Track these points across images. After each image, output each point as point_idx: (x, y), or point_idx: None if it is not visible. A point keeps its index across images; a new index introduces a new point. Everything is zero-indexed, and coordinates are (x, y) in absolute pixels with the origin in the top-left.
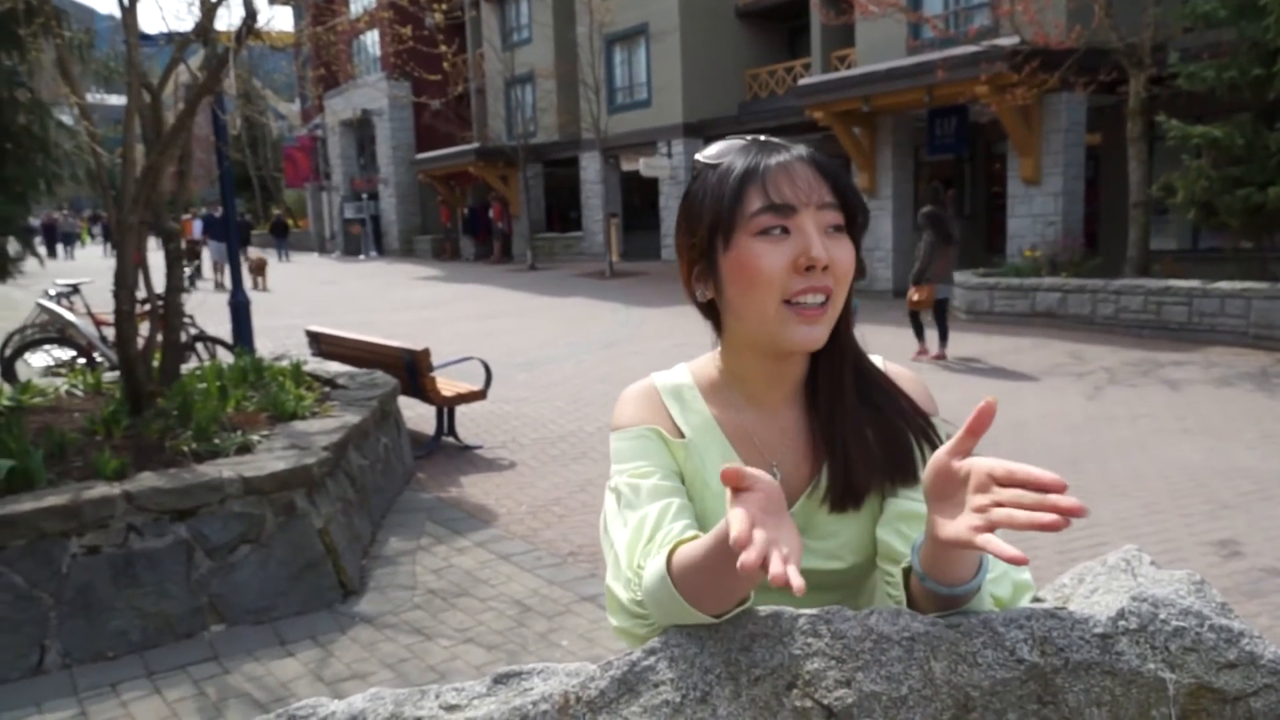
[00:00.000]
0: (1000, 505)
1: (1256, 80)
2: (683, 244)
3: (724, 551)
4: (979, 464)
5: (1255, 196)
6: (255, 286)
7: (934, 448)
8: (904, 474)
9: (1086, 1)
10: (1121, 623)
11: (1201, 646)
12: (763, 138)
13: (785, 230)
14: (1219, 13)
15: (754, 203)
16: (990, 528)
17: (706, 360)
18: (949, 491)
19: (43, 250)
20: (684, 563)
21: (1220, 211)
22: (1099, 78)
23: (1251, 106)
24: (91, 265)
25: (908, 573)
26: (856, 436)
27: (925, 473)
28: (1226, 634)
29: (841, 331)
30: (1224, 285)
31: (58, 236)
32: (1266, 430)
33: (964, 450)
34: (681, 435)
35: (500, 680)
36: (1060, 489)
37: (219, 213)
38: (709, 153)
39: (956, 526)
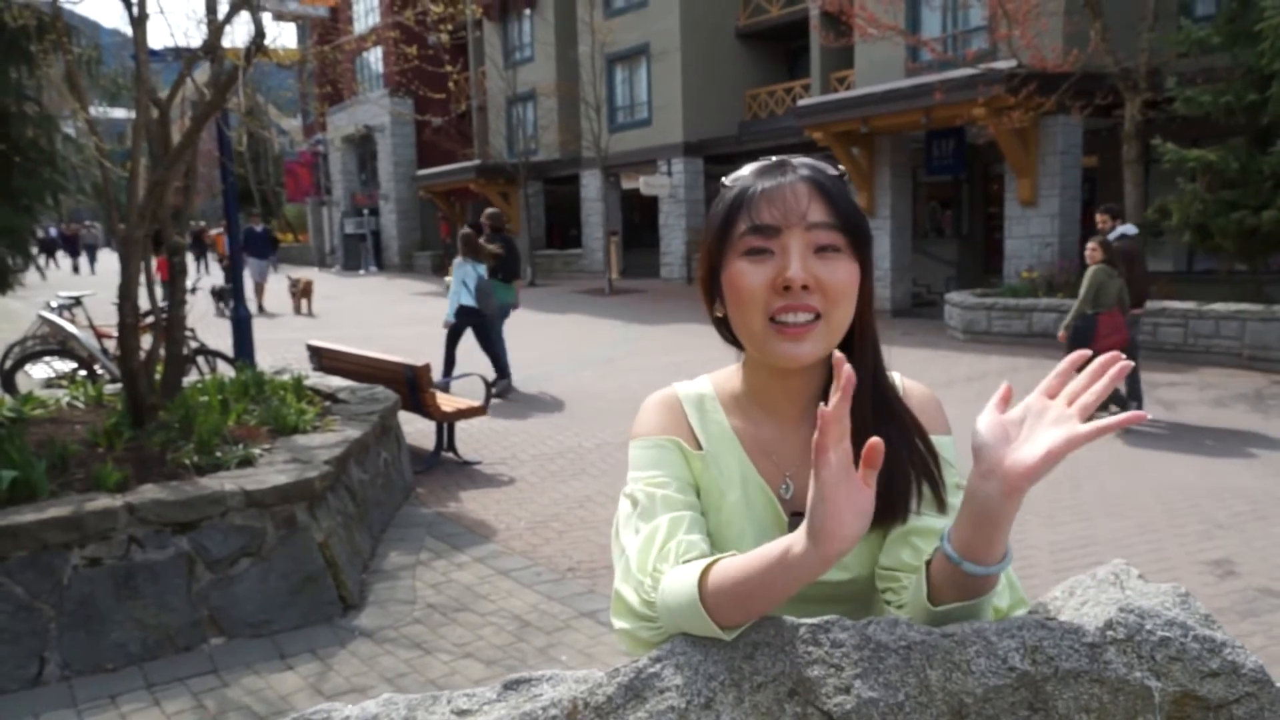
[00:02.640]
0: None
1: (1251, 105)
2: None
3: (769, 574)
4: (1032, 397)
5: (1249, 220)
6: (299, 310)
7: (933, 484)
8: (894, 512)
9: (1083, 26)
10: (1109, 633)
11: (1186, 656)
12: (794, 160)
13: (770, 251)
14: (1213, 39)
15: (741, 224)
16: (1085, 414)
17: (730, 372)
18: (1006, 438)
19: (66, 261)
20: (722, 582)
21: (1215, 234)
22: (1095, 101)
23: (1245, 131)
24: (114, 278)
25: (926, 566)
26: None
27: (984, 431)
28: (1210, 644)
29: (859, 351)
30: (1219, 307)
31: (80, 248)
32: (1260, 451)
33: (1004, 407)
34: (699, 446)
35: (510, 686)
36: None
37: (259, 226)
38: (732, 175)
39: (1049, 437)
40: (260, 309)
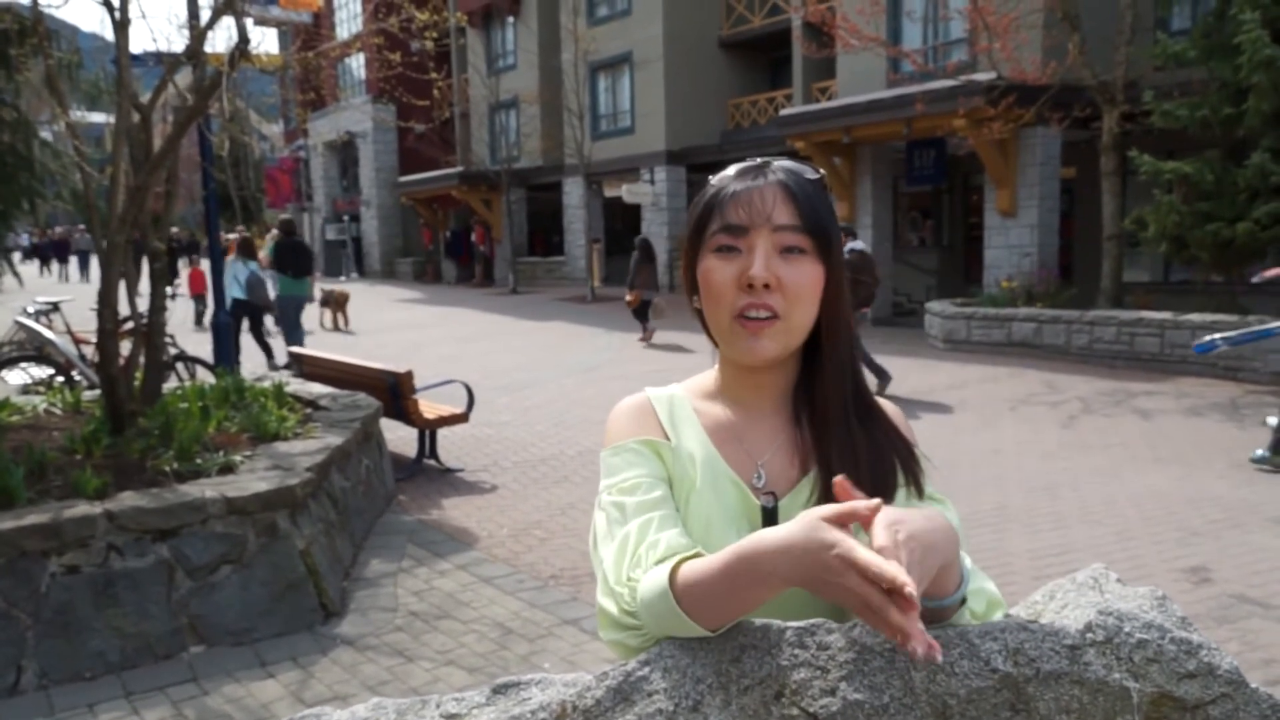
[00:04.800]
0: None
1: (1226, 118)
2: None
3: (735, 576)
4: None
5: (1224, 231)
6: (333, 325)
7: (912, 476)
8: (883, 494)
9: (1061, 40)
10: (1089, 635)
11: (1163, 657)
12: (774, 163)
13: (738, 249)
14: (1189, 53)
15: (714, 223)
16: None
17: (701, 377)
18: None
19: (56, 267)
20: (690, 580)
21: (1191, 245)
22: (1073, 113)
23: (1221, 144)
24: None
25: None
26: (845, 448)
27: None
28: (1186, 646)
29: (831, 348)
30: (1194, 317)
31: (70, 254)
32: (1236, 460)
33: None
34: (669, 439)
35: (499, 690)
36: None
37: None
38: (718, 174)
39: None
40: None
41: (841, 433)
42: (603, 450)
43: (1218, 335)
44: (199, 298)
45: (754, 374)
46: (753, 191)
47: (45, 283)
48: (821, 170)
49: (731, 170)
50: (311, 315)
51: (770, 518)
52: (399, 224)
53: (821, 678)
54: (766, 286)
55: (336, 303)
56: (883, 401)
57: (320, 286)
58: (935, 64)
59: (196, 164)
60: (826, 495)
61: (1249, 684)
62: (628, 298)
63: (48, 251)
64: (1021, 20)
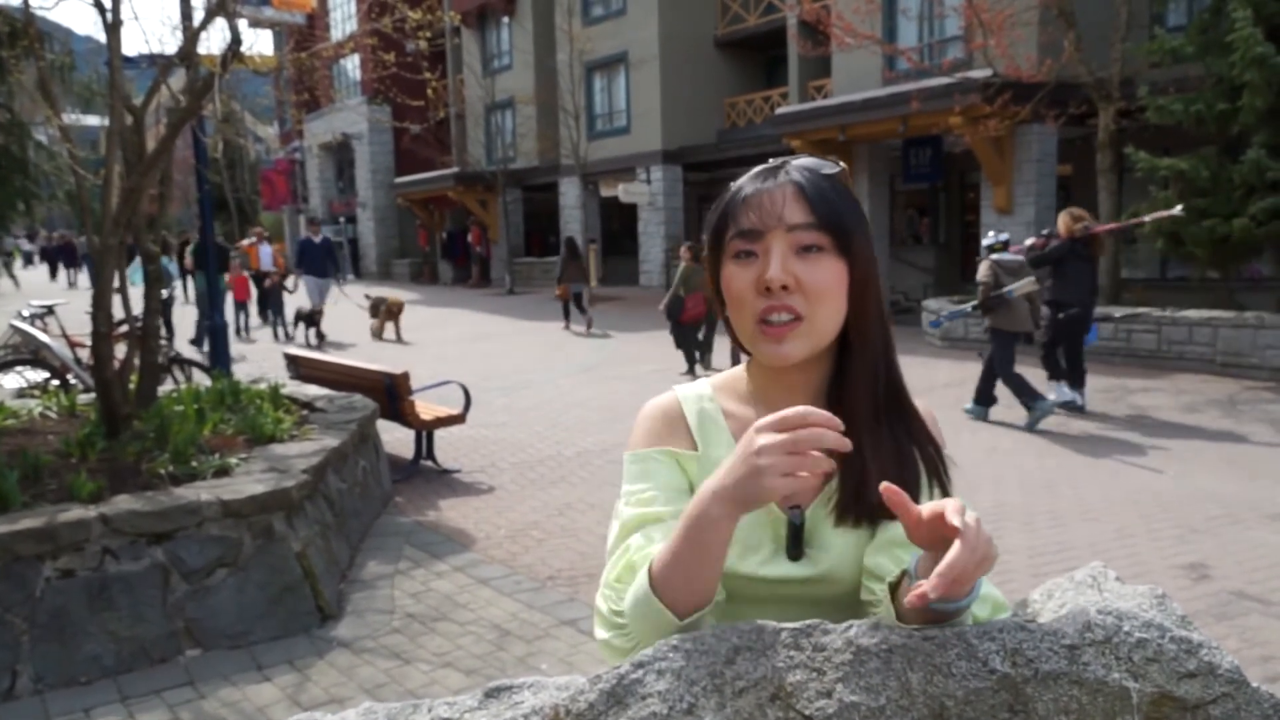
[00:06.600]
0: None
1: (1221, 115)
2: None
3: (689, 527)
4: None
5: (1221, 228)
6: (383, 335)
7: (940, 483)
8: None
9: (1057, 36)
10: (1088, 635)
11: (1163, 657)
12: (792, 162)
13: (755, 254)
14: (1185, 49)
15: (730, 229)
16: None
17: (733, 374)
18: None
19: (66, 274)
20: (659, 559)
21: (1187, 242)
22: (1069, 110)
23: (1216, 140)
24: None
25: (894, 587)
26: (874, 454)
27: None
28: (1186, 645)
29: (860, 346)
30: (1191, 314)
31: (78, 258)
32: (1233, 456)
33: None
34: (695, 447)
35: (491, 694)
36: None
37: (318, 236)
38: (738, 180)
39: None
40: (321, 337)
41: (868, 433)
42: (626, 452)
43: (943, 313)
44: (241, 305)
45: (784, 375)
46: (763, 194)
47: (52, 288)
48: (842, 164)
49: (748, 174)
50: (349, 319)
51: (796, 530)
52: (395, 225)
53: (818, 679)
54: (785, 288)
55: (389, 312)
56: (918, 403)
57: (365, 294)
58: (931, 61)
59: (191, 166)
60: (856, 497)
61: (1250, 683)
62: (557, 291)
63: (56, 256)
64: (1017, 17)
